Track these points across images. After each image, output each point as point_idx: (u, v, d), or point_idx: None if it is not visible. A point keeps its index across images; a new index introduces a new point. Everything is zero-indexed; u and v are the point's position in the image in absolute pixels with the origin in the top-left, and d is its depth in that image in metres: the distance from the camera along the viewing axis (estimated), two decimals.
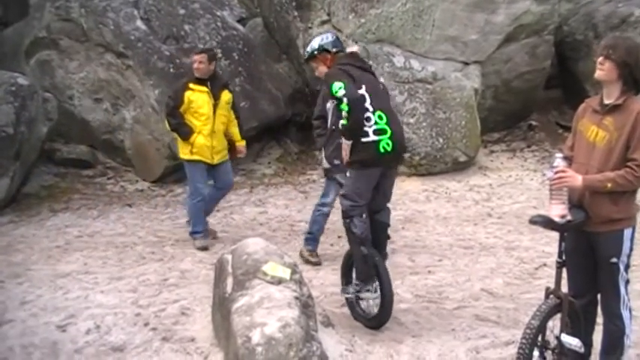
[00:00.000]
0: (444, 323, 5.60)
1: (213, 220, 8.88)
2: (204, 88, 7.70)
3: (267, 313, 4.61)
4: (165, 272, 6.99)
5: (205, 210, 8.03)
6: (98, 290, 6.42)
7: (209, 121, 7.70)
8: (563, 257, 4.26)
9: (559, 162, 4.06)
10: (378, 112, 5.33)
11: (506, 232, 8.08)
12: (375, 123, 5.31)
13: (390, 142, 5.30)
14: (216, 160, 7.84)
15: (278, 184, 10.72)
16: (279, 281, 4.97)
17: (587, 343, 4.45)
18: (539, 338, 4.28)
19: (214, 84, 7.79)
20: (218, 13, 11.89)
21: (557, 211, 4.05)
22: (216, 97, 7.73)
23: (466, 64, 10.98)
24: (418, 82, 10.70)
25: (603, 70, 4.04)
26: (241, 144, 8.19)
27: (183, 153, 7.87)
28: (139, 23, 10.92)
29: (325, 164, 7.06)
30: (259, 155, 12.00)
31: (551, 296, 4.30)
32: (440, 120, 10.61)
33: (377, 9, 10.91)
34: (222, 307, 5.07)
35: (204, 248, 7.74)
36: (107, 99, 11.27)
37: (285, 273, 5.05)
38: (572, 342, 4.21)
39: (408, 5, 10.73)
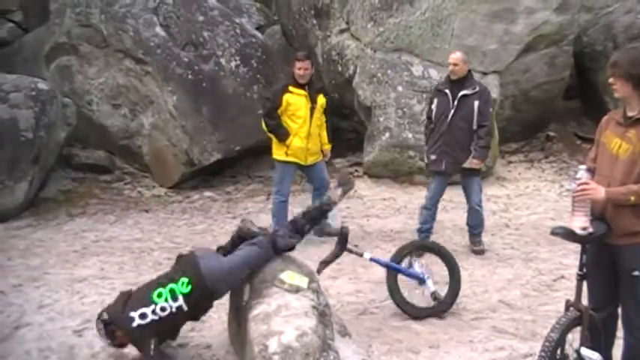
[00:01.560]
0: (461, 334, 5.56)
1: (229, 227, 8.89)
2: (303, 92, 7.90)
3: (285, 321, 4.59)
4: None
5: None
6: (114, 296, 6.40)
7: (306, 123, 7.91)
8: (584, 270, 4.22)
9: (582, 174, 4.02)
10: None
11: (523, 243, 8.02)
12: None
13: None
14: (309, 161, 8.08)
15: (295, 192, 10.66)
16: (296, 290, 4.95)
17: (607, 358, 4.41)
18: (559, 351, 4.23)
19: (311, 88, 8.03)
20: (237, 20, 11.92)
21: (579, 223, 4.01)
22: (313, 101, 7.96)
23: (484, 73, 10.93)
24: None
25: (616, 88, 4.04)
26: (328, 148, 8.42)
27: (278, 154, 8.12)
28: (158, 30, 10.97)
29: (425, 159, 7.82)
30: None
31: (571, 309, 4.26)
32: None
33: (396, 18, 10.89)
34: (238, 315, 5.06)
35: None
36: (125, 105, 11.32)
37: (303, 282, 5.03)
38: (592, 356, 4.16)
39: (427, 14, 10.70)
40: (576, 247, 4.26)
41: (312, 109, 7.94)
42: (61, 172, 10.96)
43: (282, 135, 7.92)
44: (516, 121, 11.79)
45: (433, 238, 8.22)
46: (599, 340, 4.29)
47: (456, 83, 7.43)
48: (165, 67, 10.74)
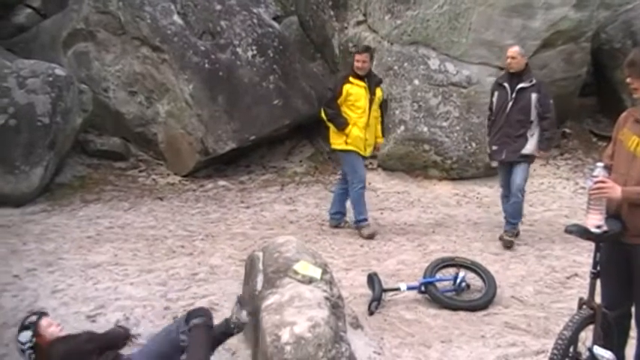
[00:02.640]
0: (473, 329, 5.56)
1: (243, 217, 8.92)
2: (363, 83, 8.08)
3: (297, 312, 4.60)
4: (195, 267, 7.03)
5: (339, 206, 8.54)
6: (128, 282, 6.47)
7: (365, 114, 8.08)
8: (598, 268, 4.20)
9: (599, 171, 3.99)
10: None
11: (537, 239, 8.00)
12: None
13: None
14: (367, 152, 8.27)
15: (309, 183, 10.71)
16: (309, 280, 4.96)
17: (620, 356, 4.39)
18: (571, 349, 4.22)
19: (371, 80, 8.19)
20: (254, 10, 11.91)
21: (594, 221, 3.99)
22: (372, 93, 8.14)
23: (501, 68, 10.84)
24: (452, 86, 10.63)
25: (636, 88, 4.00)
26: (381, 141, 8.73)
27: (337, 143, 8.25)
28: (176, 18, 10.98)
29: (487, 149, 8.22)
30: (291, 153, 12.01)
31: (585, 307, 4.24)
32: (473, 124, 10.54)
33: (413, 10, 10.84)
34: (251, 304, 5.07)
35: (372, 236, 8.03)
36: (141, 92, 11.35)
37: (316, 272, 5.04)
38: (605, 355, 4.15)
39: (444, 8, 10.65)
40: (590, 245, 4.24)
41: (371, 101, 8.10)
42: (76, 158, 11.01)
43: (341, 124, 8.06)
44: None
45: (447, 232, 8.25)
46: (612, 338, 4.28)
47: (514, 76, 7.74)
48: (182, 56, 10.75)
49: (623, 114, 4.35)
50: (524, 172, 7.87)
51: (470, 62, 10.78)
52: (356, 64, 8.07)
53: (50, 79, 9.65)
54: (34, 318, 4.21)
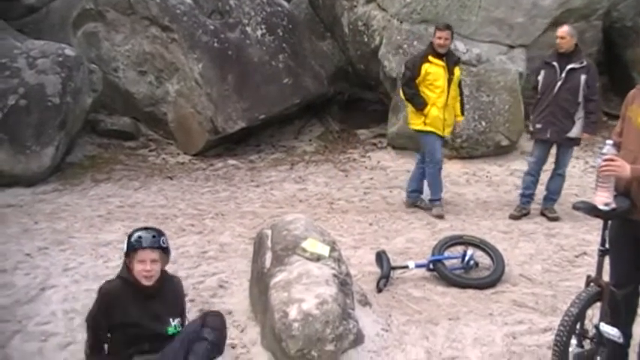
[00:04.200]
0: (481, 307, 5.58)
1: (252, 195, 8.95)
2: (441, 62, 7.92)
3: (305, 289, 4.63)
4: (205, 245, 7.07)
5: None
6: None
7: (443, 93, 7.94)
8: (606, 245, 4.20)
9: (608, 149, 3.96)
10: None
11: (546, 218, 7.99)
12: None
13: None
14: (446, 132, 8.19)
15: (318, 162, 10.72)
16: (317, 258, 4.99)
17: (627, 334, 4.40)
18: (578, 326, 4.24)
19: (449, 59, 8.02)
20: None
21: (603, 198, 3.97)
22: (450, 72, 7.97)
23: (511, 47, 10.84)
24: (462, 64, 10.54)
25: None
26: (460, 119, 8.53)
27: (416, 124, 8.16)
28: None
29: (530, 127, 8.17)
30: (300, 132, 12.02)
31: (592, 284, 4.25)
32: (483, 103, 10.50)
33: None
34: (260, 282, 5.11)
35: (441, 216, 8.05)
36: (151, 72, 11.36)
37: (324, 250, 5.07)
38: (611, 332, 4.16)
39: None
40: (599, 224, 4.24)
41: (450, 80, 7.97)
42: (86, 137, 11.05)
43: (419, 104, 7.96)
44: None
45: (457, 210, 8.25)
46: (620, 316, 4.28)
47: (564, 56, 7.66)
48: (192, 35, 10.74)
49: (632, 91, 4.32)
50: (570, 154, 8.03)
51: (480, 40, 10.75)
52: (437, 41, 7.88)
53: (60, 59, 9.68)
54: None
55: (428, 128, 8.02)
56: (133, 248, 4.13)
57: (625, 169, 3.87)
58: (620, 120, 4.34)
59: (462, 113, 8.48)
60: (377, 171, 10.13)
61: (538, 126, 7.86)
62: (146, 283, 4.14)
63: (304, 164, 10.62)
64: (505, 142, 10.51)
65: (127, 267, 4.19)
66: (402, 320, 5.31)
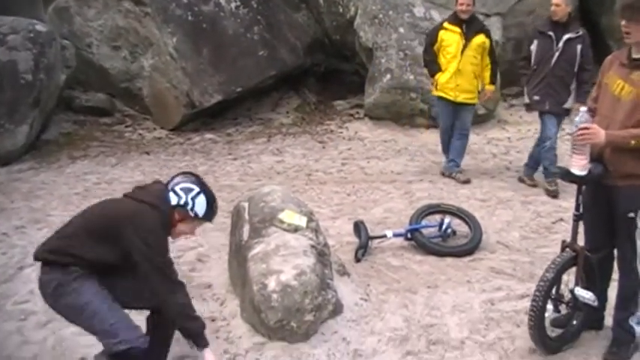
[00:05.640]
0: (459, 275, 5.63)
1: (230, 169, 8.92)
2: (457, 29, 8.05)
3: (283, 260, 4.65)
4: None
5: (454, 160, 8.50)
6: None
7: (455, 59, 8.05)
8: (581, 210, 4.25)
9: (583, 115, 3.99)
10: None
11: (523, 186, 8.04)
12: None
13: None
14: (459, 98, 8.18)
15: (296, 134, 10.70)
16: (295, 229, 5.00)
17: (602, 298, 4.47)
18: (553, 291, 4.30)
19: (470, 26, 8.08)
20: None
21: (578, 162, 4.00)
22: (467, 39, 8.03)
23: (487, 15, 10.80)
24: None
25: (630, 35, 3.96)
26: (488, 88, 8.46)
27: (434, 89, 8.41)
28: None
29: (526, 99, 8.02)
30: (277, 105, 11.96)
31: (567, 249, 4.30)
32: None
33: None
34: (238, 255, 5.12)
35: (464, 181, 8.22)
36: (125, 47, 11.23)
37: (302, 221, 5.08)
38: (586, 295, 4.22)
39: None
40: (575, 191, 4.27)
41: (464, 47, 8.03)
42: (61, 115, 10.93)
43: (431, 70, 8.31)
44: (519, 64, 11.68)
45: (434, 179, 8.28)
46: (595, 280, 4.35)
47: (559, 26, 7.61)
48: (165, 9, 10.62)
49: (609, 57, 4.35)
50: (560, 123, 7.95)
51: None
52: (459, 7, 8.01)
53: (31, 35, 9.52)
54: None
55: (438, 93, 8.27)
56: (200, 217, 3.94)
57: (600, 135, 3.91)
58: (596, 86, 4.38)
59: (493, 82, 8.48)
60: (354, 142, 10.13)
61: (536, 98, 7.79)
62: (176, 240, 4.05)
63: (281, 136, 10.59)
64: (482, 111, 10.50)
65: (171, 216, 3.88)
66: (381, 289, 5.35)
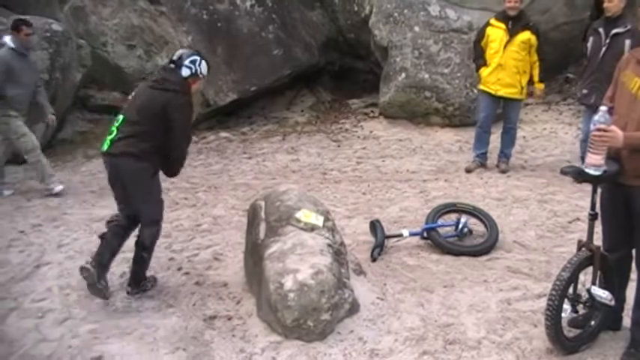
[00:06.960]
0: (475, 274, 5.60)
1: (245, 167, 8.93)
2: (502, 25, 8.29)
3: (300, 259, 4.64)
4: (198, 218, 7.07)
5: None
6: (132, 235, 6.49)
7: (497, 54, 8.31)
8: (596, 209, 4.22)
9: (603, 115, 3.93)
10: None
11: (539, 184, 8.00)
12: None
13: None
14: (500, 92, 8.41)
15: (310, 132, 10.70)
16: (311, 228, 4.99)
17: (620, 298, 4.43)
18: (570, 291, 4.26)
19: (516, 23, 8.27)
20: None
21: (594, 160, 3.96)
22: (511, 35, 8.24)
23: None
24: (453, 32, 10.55)
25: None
26: (537, 87, 8.61)
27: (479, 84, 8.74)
28: None
29: (578, 93, 8.43)
30: (292, 103, 11.97)
31: (583, 249, 4.27)
32: (475, 71, 10.46)
33: None
34: (254, 253, 5.11)
35: (469, 170, 8.57)
36: (140, 45, 11.27)
37: (318, 220, 5.07)
38: (602, 294, 4.19)
39: None
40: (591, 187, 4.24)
41: (508, 42, 8.21)
42: (77, 113, 11.00)
43: (476, 65, 8.67)
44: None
45: (449, 178, 8.25)
46: (613, 280, 4.31)
47: (610, 21, 7.66)
48: (180, 7, 10.65)
49: (626, 55, 4.32)
50: None
51: (470, 8, 10.71)
52: (507, 4, 8.24)
53: (47, 34, 9.59)
54: None
55: (480, 87, 8.61)
56: (205, 75, 5.29)
57: (618, 139, 3.85)
58: (612, 85, 4.33)
59: (539, 80, 8.56)
60: (369, 140, 10.12)
61: (584, 91, 7.96)
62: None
63: (296, 135, 10.59)
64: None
65: (188, 85, 5.17)
66: (397, 288, 5.33)
